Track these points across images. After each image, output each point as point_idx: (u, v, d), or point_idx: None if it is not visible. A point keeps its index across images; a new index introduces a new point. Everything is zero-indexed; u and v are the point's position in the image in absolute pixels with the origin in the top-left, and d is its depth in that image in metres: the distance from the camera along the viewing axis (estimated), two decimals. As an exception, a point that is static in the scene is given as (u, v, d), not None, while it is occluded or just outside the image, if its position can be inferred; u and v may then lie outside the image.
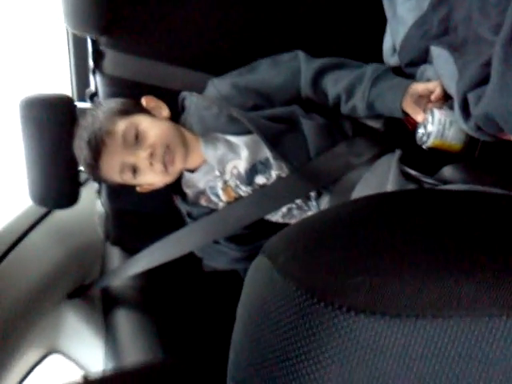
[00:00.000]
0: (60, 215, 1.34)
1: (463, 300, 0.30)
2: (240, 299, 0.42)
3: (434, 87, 0.93)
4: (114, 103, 1.13)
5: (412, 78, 1.01)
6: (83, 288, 1.40)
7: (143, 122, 1.07)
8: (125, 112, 1.09)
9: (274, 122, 1.06)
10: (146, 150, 1.04)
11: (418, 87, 0.95)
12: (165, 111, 1.14)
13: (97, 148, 1.05)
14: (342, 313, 0.32)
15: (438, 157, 0.96)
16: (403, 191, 0.75)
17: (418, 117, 0.95)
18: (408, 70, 1.01)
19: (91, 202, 1.39)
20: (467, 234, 0.36)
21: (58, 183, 1.20)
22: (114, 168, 1.07)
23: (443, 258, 0.33)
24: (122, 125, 1.06)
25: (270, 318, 0.36)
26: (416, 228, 0.37)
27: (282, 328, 0.34)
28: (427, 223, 0.37)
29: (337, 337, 0.32)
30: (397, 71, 1.03)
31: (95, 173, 1.10)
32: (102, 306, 1.41)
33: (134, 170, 1.07)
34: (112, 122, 1.06)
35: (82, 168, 1.16)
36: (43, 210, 1.31)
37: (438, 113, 0.92)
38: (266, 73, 1.11)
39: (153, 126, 1.07)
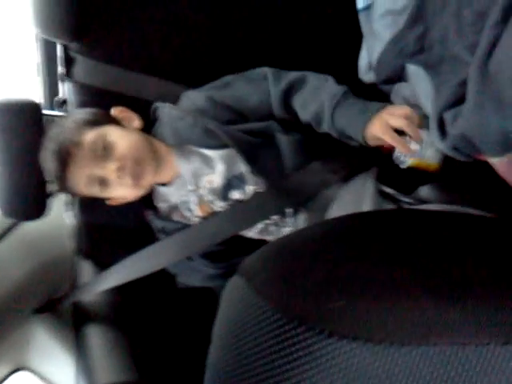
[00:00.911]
0: (28, 227, 1.31)
1: (448, 327, 0.30)
2: (216, 320, 0.41)
3: (396, 124, 0.90)
4: (83, 113, 1.10)
5: (387, 95, 1.01)
6: (53, 302, 1.37)
7: (112, 133, 1.04)
8: (93, 122, 1.05)
9: (250, 136, 1.05)
10: (114, 162, 1.01)
11: (377, 131, 0.92)
12: (136, 122, 1.11)
13: (63, 159, 1.02)
14: (324, 338, 0.31)
15: (415, 175, 0.96)
16: (380, 211, 0.75)
17: (390, 140, 0.91)
18: (383, 88, 1.01)
19: (61, 214, 1.36)
20: (451, 259, 0.35)
21: (24, 193, 1.16)
22: (81, 180, 1.04)
23: (427, 284, 0.33)
24: (89, 136, 1.02)
25: (247, 342, 0.35)
26: (397, 252, 0.36)
27: (260, 352, 0.34)
28: (409, 247, 0.37)
29: (318, 363, 0.31)
30: (371, 88, 1.02)
31: (62, 185, 1.06)
32: (73, 321, 1.37)
33: (102, 183, 1.04)
34: (79, 133, 1.03)
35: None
36: (11, 221, 1.28)
37: None
38: (242, 90, 1.09)
39: (122, 138, 1.04)
